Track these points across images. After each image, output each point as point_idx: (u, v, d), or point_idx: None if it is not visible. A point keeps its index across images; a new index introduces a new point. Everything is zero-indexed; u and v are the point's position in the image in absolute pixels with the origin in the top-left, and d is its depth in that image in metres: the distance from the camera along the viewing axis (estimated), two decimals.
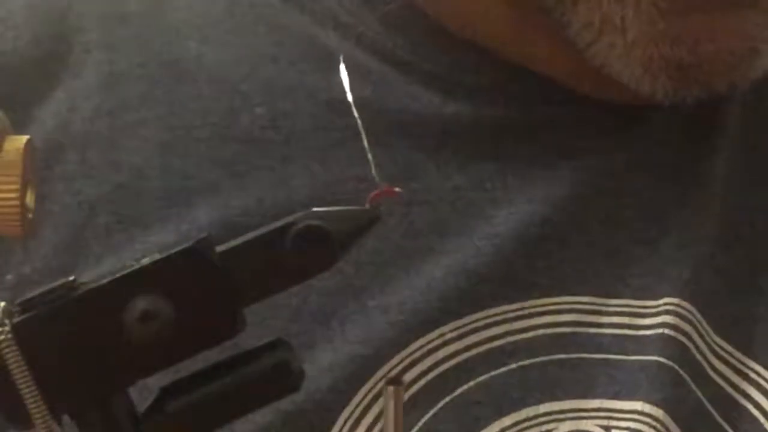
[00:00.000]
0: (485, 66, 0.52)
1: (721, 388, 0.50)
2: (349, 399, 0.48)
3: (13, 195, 0.37)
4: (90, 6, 0.54)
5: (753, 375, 0.51)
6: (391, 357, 0.49)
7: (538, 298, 0.50)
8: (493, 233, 0.51)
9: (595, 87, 0.52)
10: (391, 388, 0.36)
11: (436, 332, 0.49)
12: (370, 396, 0.48)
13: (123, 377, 0.33)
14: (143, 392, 0.34)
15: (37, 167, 0.40)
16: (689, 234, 0.52)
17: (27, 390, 0.32)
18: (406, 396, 0.48)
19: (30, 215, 0.38)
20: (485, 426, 0.49)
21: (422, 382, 0.49)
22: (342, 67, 0.39)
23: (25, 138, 0.38)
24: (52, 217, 0.51)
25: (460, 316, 0.50)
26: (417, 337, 0.49)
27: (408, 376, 0.49)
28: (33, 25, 0.54)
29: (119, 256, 0.50)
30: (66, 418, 0.33)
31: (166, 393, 0.34)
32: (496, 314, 0.50)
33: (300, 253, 0.33)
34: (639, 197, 0.53)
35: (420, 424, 0.48)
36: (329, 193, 0.51)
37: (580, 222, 0.52)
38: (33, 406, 0.32)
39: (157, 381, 0.34)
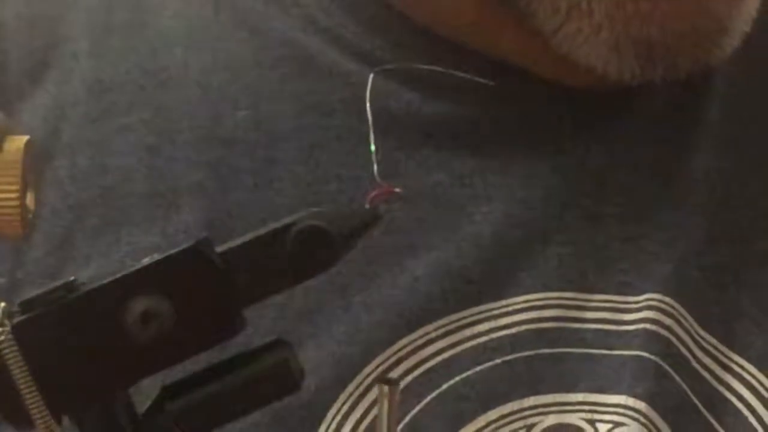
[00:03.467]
0: (462, 64, 0.52)
1: (706, 380, 0.51)
2: (337, 396, 0.49)
3: (13, 195, 0.37)
4: (80, 15, 0.55)
5: (736, 368, 0.51)
6: (377, 355, 0.49)
7: (522, 294, 0.51)
8: (475, 232, 0.52)
9: (561, 74, 0.53)
10: (385, 387, 0.36)
11: (421, 331, 0.50)
12: (356, 393, 0.49)
13: (123, 377, 0.33)
14: (143, 392, 0.34)
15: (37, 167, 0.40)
16: (671, 231, 0.53)
17: (27, 390, 0.32)
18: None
19: (30, 215, 0.38)
20: (471, 420, 0.49)
21: (408, 378, 0.49)
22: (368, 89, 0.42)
23: (25, 138, 0.38)
24: (42, 222, 0.52)
25: (444, 314, 0.50)
26: (401, 336, 0.50)
27: (394, 373, 0.49)
28: (24, 33, 0.55)
29: (107, 257, 0.51)
30: (66, 418, 0.33)
31: (166, 393, 0.34)
32: (480, 312, 0.51)
33: (300, 253, 0.33)
34: (620, 195, 0.53)
35: (407, 419, 0.49)
36: (312, 192, 0.52)
37: (561, 219, 0.52)
38: (33, 406, 0.32)
39: (157, 381, 0.34)
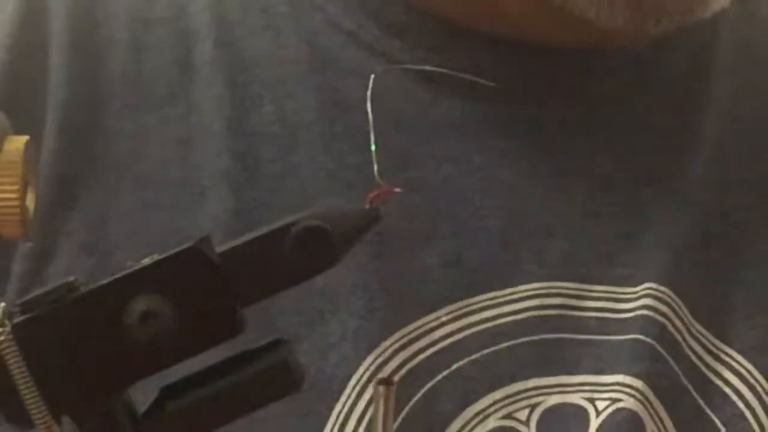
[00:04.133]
0: (474, 58, 0.56)
1: (696, 366, 0.53)
2: (357, 368, 0.51)
3: (13, 195, 0.37)
4: (120, 8, 0.58)
5: (726, 358, 0.54)
6: (393, 332, 0.52)
7: (526, 283, 0.54)
8: (483, 224, 0.54)
9: (560, 36, 0.56)
10: (381, 388, 0.37)
11: (433, 315, 0.53)
12: (375, 365, 0.51)
13: (123, 377, 0.33)
14: (143, 392, 0.34)
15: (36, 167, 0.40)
16: (669, 229, 0.55)
17: (27, 390, 0.32)
18: (409, 366, 0.52)
19: (30, 216, 0.38)
20: (478, 399, 0.52)
21: (421, 357, 0.52)
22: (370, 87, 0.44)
23: (25, 138, 0.38)
24: (78, 200, 0.55)
25: (453, 300, 0.53)
26: (416, 318, 0.53)
27: (406, 353, 0.52)
28: (67, 18, 0.58)
29: (138, 240, 0.54)
30: (66, 418, 0.33)
31: (166, 393, 0.34)
32: (487, 299, 0.53)
33: (300, 253, 0.33)
34: (620, 194, 0.56)
35: (419, 395, 0.51)
36: (333, 180, 0.54)
37: (564, 215, 0.55)
38: (33, 406, 0.32)
39: (157, 381, 0.34)
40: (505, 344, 0.53)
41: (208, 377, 0.34)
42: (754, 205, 0.57)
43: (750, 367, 0.53)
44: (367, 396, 0.51)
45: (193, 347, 0.33)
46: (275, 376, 0.34)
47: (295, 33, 0.57)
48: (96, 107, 0.56)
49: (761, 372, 0.54)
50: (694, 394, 0.53)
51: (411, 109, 0.56)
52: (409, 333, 0.52)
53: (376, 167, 0.47)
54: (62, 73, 0.57)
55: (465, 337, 0.53)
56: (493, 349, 0.53)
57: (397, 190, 0.49)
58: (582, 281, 0.54)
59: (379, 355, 0.52)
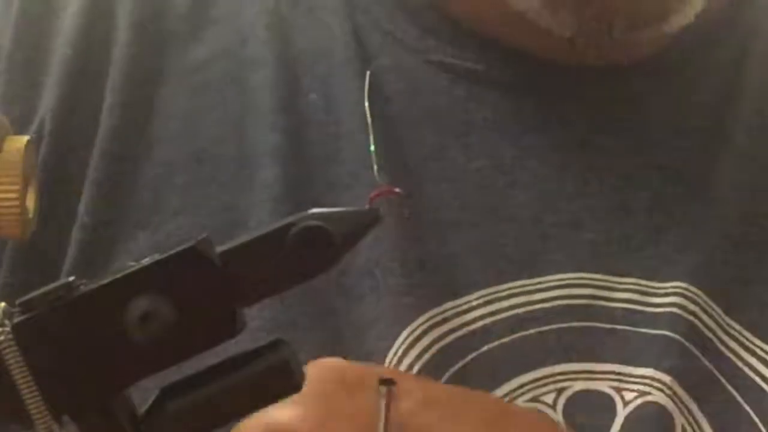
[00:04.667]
0: (494, 59, 0.59)
1: (730, 360, 0.55)
2: (393, 342, 0.53)
3: (13, 195, 0.37)
4: (180, 5, 0.62)
5: (760, 351, 0.55)
6: (427, 310, 0.54)
7: (555, 273, 0.56)
8: (513, 215, 0.56)
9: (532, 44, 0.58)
10: (383, 388, 0.37)
11: (464, 299, 0.55)
12: (410, 339, 0.53)
13: (123, 377, 0.33)
14: (143, 392, 0.34)
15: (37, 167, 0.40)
16: (697, 227, 0.57)
17: (27, 390, 0.32)
18: (441, 344, 0.54)
19: (30, 215, 0.38)
20: (506, 381, 0.54)
21: (451, 337, 0.54)
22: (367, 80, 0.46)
23: (25, 138, 0.38)
24: (135, 175, 0.58)
25: (484, 286, 0.55)
26: (447, 300, 0.55)
27: (437, 331, 0.54)
28: (131, 15, 0.61)
29: (195, 213, 0.56)
30: (66, 418, 0.33)
31: (166, 393, 0.34)
32: (516, 286, 0.55)
33: (300, 254, 0.33)
34: (646, 190, 0.58)
35: (450, 372, 0.53)
36: (369, 166, 0.56)
37: (592, 209, 0.57)
38: (33, 406, 0.32)
39: (157, 381, 0.34)
40: (533, 330, 0.54)
41: (208, 377, 0.34)
42: None
43: None
44: (402, 368, 0.53)
45: (193, 347, 0.33)
46: (275, 376, 0.34)
47: (342, 30, 0.60)
48: (153, 88, 0.59)
49: None
50: (729, 387, 0.54)
51: (446, 104, 0.58)
52: (441, 313, 0.54)
53: (375, 167, 0.48)
54: (124, 52, 0.60)
55: (495, 322, 0.54)
56: (521, 334, 0.54)
57: (397, 190, 0.50)
58: (610, 273, 0.56)
59: (412, 332, 0.53)
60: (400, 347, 0.53)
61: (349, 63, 0.59)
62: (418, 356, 0.53)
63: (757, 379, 0.54)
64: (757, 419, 0.53)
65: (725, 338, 0.55)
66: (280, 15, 0.61)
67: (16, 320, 0.32)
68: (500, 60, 0.59)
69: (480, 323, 0.54)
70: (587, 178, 0.57)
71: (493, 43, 0.59)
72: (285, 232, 0.33)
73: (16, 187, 0.37)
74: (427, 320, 0.54)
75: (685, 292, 0.55)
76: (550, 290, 0.55)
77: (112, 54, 0.60)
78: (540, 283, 0.55)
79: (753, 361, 0.54)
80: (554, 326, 0.55)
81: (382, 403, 0.40)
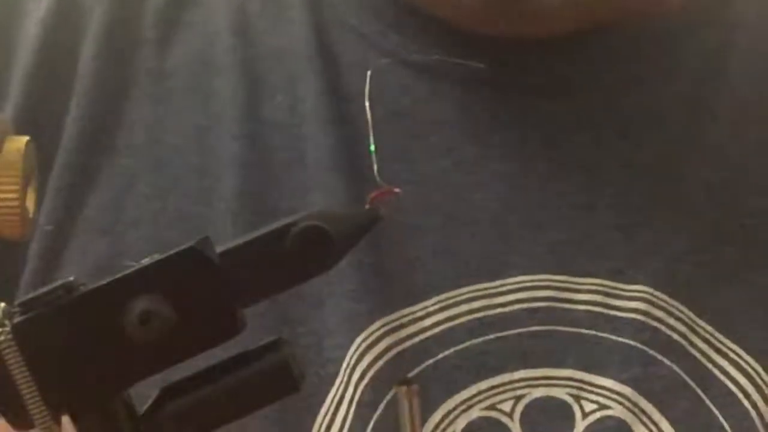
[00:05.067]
0: (464, 52, 0.57)
1: (700, 362, 0.53)
2: (347, 351, 0.52)
3: (13, 195, 0.37)
4: (150, 9, 0.61)
5: (732, 354, 0.54)
6: (383, 316, 0.53)
7: (516, 275, 0.54)
8: (474, 216, 0.55)
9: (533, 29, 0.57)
10: (404, 388, 0.37)
11: (420, 305, 0.53)
12: (363, 346, 0.52)
13: (123, 377, 0.33)
14: (143, 392, 0.34)
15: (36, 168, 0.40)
16: (665, 229, 0.55)
17: (27, 390, 0.32)
18: (396, 351, 0.52)
19: (30, 215, 0.38)
20: (464, 388, 0.52)
21: (407, 343, 0.53)
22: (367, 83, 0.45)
23: (25, 138, 0.38)
24: (96, 185, 0.57)
25: (442, 290, 0.54)
26: (402, 307, 0.53)
27: (393, 338, 0.53)
28: (103, 23, 0.61)
29: (155, 223, 0.56)
30: (66, 418, 0.33)
31: (166, 393, 0.34)
32: (476, 290, 0.54)
33: (300, 254, 0.33)
34: (612, 187, 0.56)
35: None
36: (334, 169, 0.56)
37: (555, 208, 0.55)
38: (33, 406, 0.32)
39: (157, 381, 0.34)
40: (492, 335, 0.53)
41: (208, 377, 0.34)
42: (762, 211, 0.57)
43: (758, 367, 0.54)
44: (355, 377, 0.52)
45: (193, 347, 0.33)
46: (275, 376, 0.34)
47: (307, 27, 0.59)
48: (118, 98, 0.59)
49: None
50: (697, 390, 0.53)
51: (408, 102, 0.57)
52: (397, 319, 0.53)
53: (375, 167, 0.48)
54: (91, 62, 0.59)
55: (452, 327, 0.53)
56: (480, 339, 0.53)
57: (397, 190, 0.50)
58: (573, 274, 0.54)
59: (366, 339, 0.52)
60: (354, 354, 0.52)
61: (311, 61, 0.59)
62: (371, 363, 0.52)
63: (727, 383, 0.53)
64: (726, 424, 0.52)
65: (696, 341, 0.54)
66: (246, 15, 0.61)
67: (16, 320, 0.32)
68: (462, 53, 0.57)
69: (437, 329, 0.53)
70: (550, 176, 0.56)
71: (455, 34, 0.58)
72: (285, 232, 0.33)
73: (16, 187, 0.37)
74: (382, 326, 0.53)
75: (650, 298, 0.54)
76: (510, 293, 0.54)
77: (78, 67, 0.59)
78: (501, 286, 0.54)
79: (723, 363, 0.53)
80: (514, 331, 0.54)
81: (405, 402, 0.40)
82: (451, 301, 0.54)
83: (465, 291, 0.54)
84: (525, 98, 0.57)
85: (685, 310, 0.54)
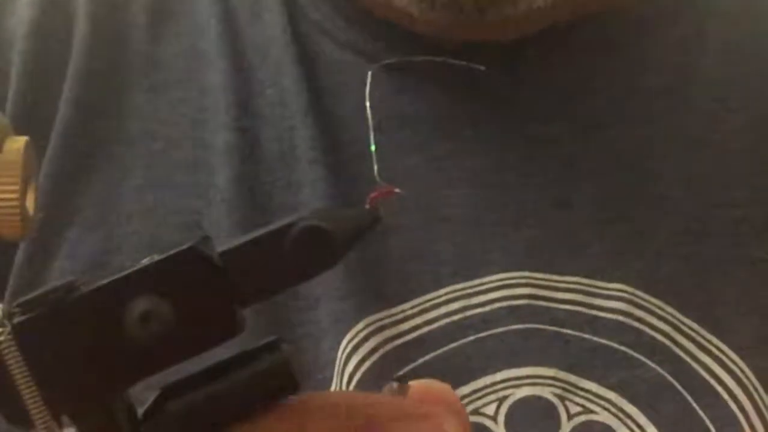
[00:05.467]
0: (435, 52, 0.55)
1: (685, 362, 0.53)
2: (336, 351, 0.52)
3: (13, 195, 0.37)
4: (141, 1, 0.61)
5: (716, 351, 0.53)
6: (365, 316, 0.52)
7: (494, 274, 0.54)
8: (449, 214, 0.54)
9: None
10: (395, 384, 0.37)
11: (398, 308, 0.53)
12: (350, 347, 0.52)
13: (123, 377, 0.33)
14: (143, 392, 0.34)
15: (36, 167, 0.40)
16: (644, 224, 0.55)
17: (27, 390, 0.32)
18: (383, 351, 0.52)
19: (30, 215, 0.38)
20: None
21: (390, 345, 0.52)
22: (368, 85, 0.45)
23: (25, 138, 0.38)
24: (89, 175, 0.56)
25: (419, 294, 0.53)
26: (381, 309, 0.53)
27: (378, 338, 0.52)
28: (93, 4, 0.61)
29: (148, 217, 0.55)
30: (66, 418, 0.33)
31: (166, 393, 0.34)
32: (454, 290, 0.53)
33: (300, 254, 0.33)
34: (590, 181, 0.55)
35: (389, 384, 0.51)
36: (326, 160, 0.56)
37: (533, 204, 0.55)
38: (33, 406, 0.32)
39: (157, 381, 0.34)
40: (471, 337, 0.53)
41: (208, 377, 0.34)
42: (754, 202, 0.56)
43: (743, 365, 0.53)
44: (345, 380, 0.51)
45: (193, 347, 0.33)
46: (275, 376, 0.34)
47: (281, 16, 0.59)
48: (112, 83, 0.58)
49: (753, 372, 0.53)
50: (684, 393, 0.53)
51: (377, 98, 0.55)
52: (380, 320, 0.52)
53: (375, 168, 0.48)
54: (83, 45, 0.59)
55: (431, 331, 0.53)
56: (460, 342, 0.53)
57: (397, 190, 0.50)
58: (552, 271, 0.54)
59: (353, 339, 0.52)
60: (342, 354, 0.52)
61: (288, 50, 0.58)
62: (358, 365, 0.52)
63: (712, 381, 0.53)
64: (710, 424, 0.52)
65: (681, 339, 0.53)
66: (228, 4, 0.60)
67: (16, 320, 0.32)
68: (425, 51, 0.55)
69: (416, 333, 0.53)
70: (527, 171, 0.55)
71: (420, 37, 0.57)
72: (285, 232, 0.33)
73: (16, 188, 0.37)
74: (366, 327, 0.52)
75: (632, 297, 0.53)
76: (489, 292, 0.54)
77: (72, 46, 0.59)
78: (479, 285, 0.54)
79: (708, 360, 0.53)
80: (494, 331, 0.53)
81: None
82: (428, 304, 0.53)
83: (443, 293, 0.53)
84: (497, 93, 0.56)
85: (669, 309, 0.53)
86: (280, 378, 0.34)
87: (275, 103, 0.57)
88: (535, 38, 0.57)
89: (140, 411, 0.34)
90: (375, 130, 0.56)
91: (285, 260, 0.33)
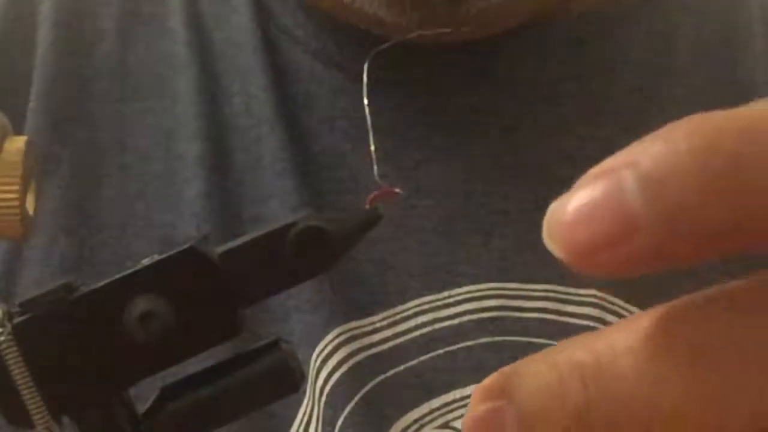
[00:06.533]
0: (402, 58, 0.55)
1: None
2: (308, 362, 0.51)
3: (13, 195, 0.37)
4: (111, 6, 0.60)
5: None
6: (334, 327, 0.52)
7: (464, 285, 0.53)
8: (418, 225, 0.53)
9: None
10: None
11: (367, 320, 0.52)
12: (320, 358, 0.51)
13: (123, 377, 0.33)
14: (143, 392, 0.34)
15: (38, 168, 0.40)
16: None
17: (27, 390, 0.32)
18: (353, 362, 0.51)
19: (30, 215, 0.38)
20: (415, 406, 0.51)
21: (361, 356, 0.52)
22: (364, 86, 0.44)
23: (24, 138, 0.38)
24: (57, 188, 0.55)
25: (388, 306, 0.53)
26: (351, 320, 0.52)
27: (347, 349, 0.51)
28: (60, 11, 0.60)
29: (122, 229, 0.54)
30: (66, 418, 0.33)
31: (166, 393, 0.34)
32: (424, 303, 0.53)
33: (300, 254, 0.33)
34: (562, 186, 0.54)
35: (355, 399, 0.51)
36: (292, 150, 0.55)
37: (502, 213, 0.54)
38: (33, 406, 0.32)
39: (156, 381, 0.34)
40: (441, 350, 0.52)
41: (208, 377, 0.34)
42: None
43: None
44: (317, 393, 0.51)
45: (193, 347, 0.33)
46: (275, 376, 0.34)
47: (249, 19, 0.58)
48: (80, 91, 0.57)
49: None
50: None
51: (342, 106, 0.56)
52: (349, 330, 0.52)
53: (375, 168, 0.48)
54: (49, 52, 0.57)
55: (401, 344, 0.52)
56: (429, 355, 0.52)
57: (397, 190, 0.50)
58: (523, 281, 0.53)
59: (323, 350, 0.51)
60: (314, 365, 0.51)
61: (256, 55, 0.57)
62: (327, 378, 0.51)
63: None
64: None
65: None
66: (196, 7, 0.59)
67: (16, 320, 0.32)
68: (394, 59, 0.54)
69: (386, 345, 0.52)
70: (496, 179, 0.54)
71: (386, 40, 0.56)
72: (285, 232, 0.33)
73: (16, 187, 0.37)
74: (335, 338, 0.52)
75: (603, 303, 0.53)
76: (458, 305, 0.53)
77: (35, 56, 0.58)
78: (448, 297, 0.53)
79: None
80: (464, 344, 0.52)
81: None
82: (398, 317, 0.52)
83: (412, 305, 0.53)
84: (464, 99, 0.55)
85: (639, 312, 0.53)
86: (280, 378, 0.34)
87: (242, 113, 0.56)
88: (505, 43, 0.56)
89: (140, 411, 0.34)
90: (346, 141, 0.56)
91: (284, 261, 0.33)
